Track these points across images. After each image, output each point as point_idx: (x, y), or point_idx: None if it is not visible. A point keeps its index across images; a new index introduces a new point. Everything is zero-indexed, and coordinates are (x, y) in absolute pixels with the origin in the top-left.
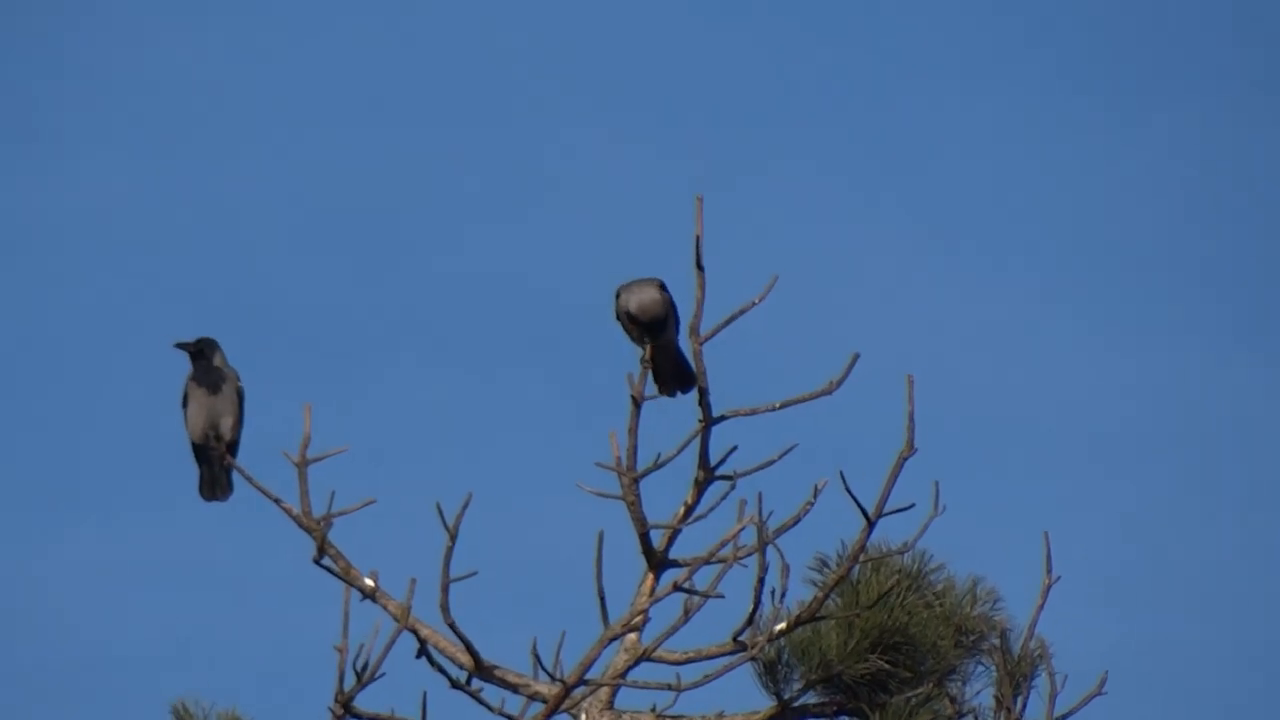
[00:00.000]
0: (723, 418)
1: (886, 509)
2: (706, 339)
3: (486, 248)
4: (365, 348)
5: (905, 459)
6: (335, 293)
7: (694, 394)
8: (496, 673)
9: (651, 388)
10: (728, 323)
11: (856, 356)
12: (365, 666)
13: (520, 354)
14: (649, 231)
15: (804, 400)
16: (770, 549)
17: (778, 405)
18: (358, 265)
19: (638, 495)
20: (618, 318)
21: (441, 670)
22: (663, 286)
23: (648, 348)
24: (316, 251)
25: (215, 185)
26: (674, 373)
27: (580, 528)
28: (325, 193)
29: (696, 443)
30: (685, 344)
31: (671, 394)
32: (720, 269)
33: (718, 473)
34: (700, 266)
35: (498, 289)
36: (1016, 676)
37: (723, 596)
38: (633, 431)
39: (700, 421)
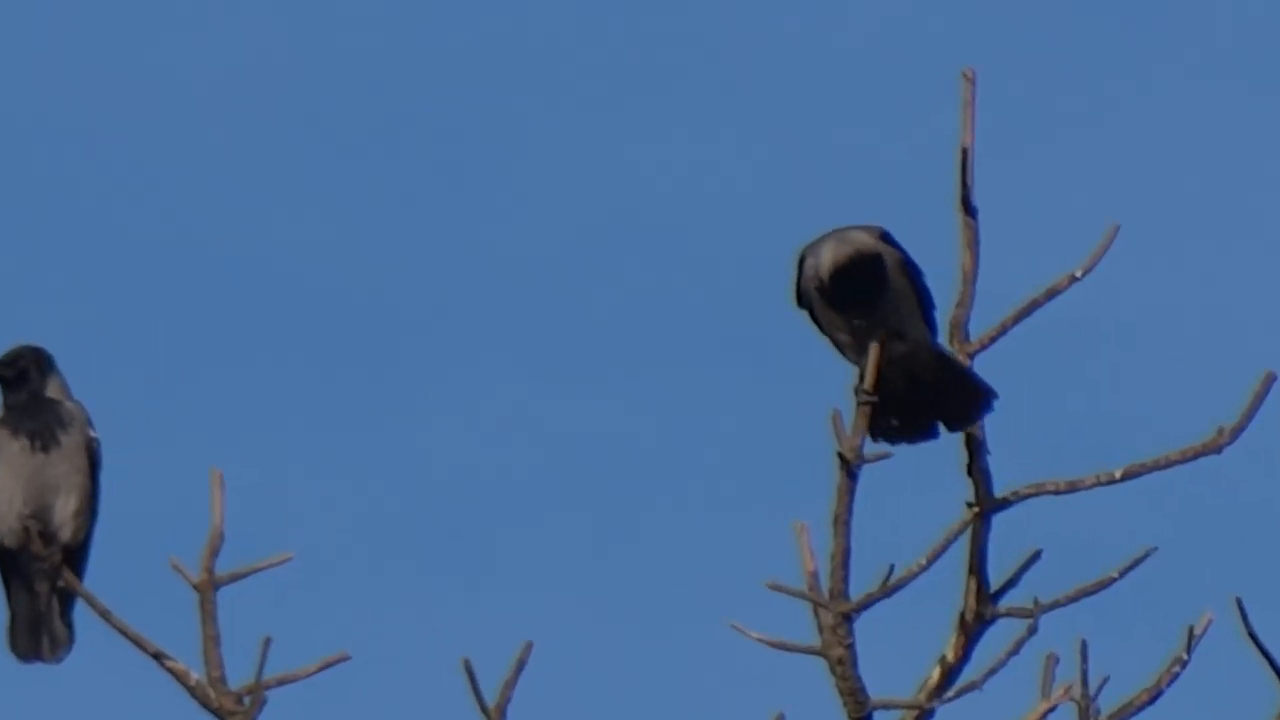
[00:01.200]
0: (1014, 498)
1: None
2: (985, 345)
3: (626, 170)
4: (332, 348)
5: None
6: (300, 247)
7: (959, 452)
8: None
9: (878, 439)
10: (1024, 315)
11: (1272, 378)
12: None
13: (634, 363)
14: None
15: (1168, 465)
16: None
17: (1119, 475)
18: (341, 205)
19: (851, 644)
20: (800, 302)
21: None
22: (885, 236)
23: (871, 360)
24: (281, 179)
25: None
26: (921, 409)
27: (742, 699)
28: (327, 79)
29: (964, 545)
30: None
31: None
32: (1010, 216)
33: (1003, 604)
34: (969, 209)
35: (617, 238)
36: None
37: None
38: (842, 521)
39: (971, 506)
